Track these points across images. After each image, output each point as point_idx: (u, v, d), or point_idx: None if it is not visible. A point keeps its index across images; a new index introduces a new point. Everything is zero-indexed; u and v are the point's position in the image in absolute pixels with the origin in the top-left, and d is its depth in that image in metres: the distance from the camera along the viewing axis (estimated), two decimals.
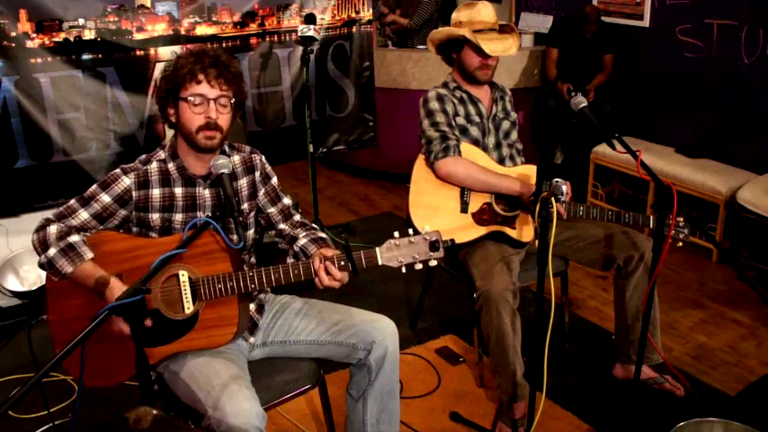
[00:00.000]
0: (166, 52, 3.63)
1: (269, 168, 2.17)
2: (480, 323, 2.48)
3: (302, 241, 2.08)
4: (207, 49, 1.94)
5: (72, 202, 1.96)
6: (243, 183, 2.09)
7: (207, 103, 1.90)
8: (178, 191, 2.00)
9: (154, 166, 2.00)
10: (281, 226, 2.15)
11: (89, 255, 1.89)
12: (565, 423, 2.60)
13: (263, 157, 2.16)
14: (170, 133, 2.04)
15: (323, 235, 2.13)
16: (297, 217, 2.18)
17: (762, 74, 3.99)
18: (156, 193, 1.98)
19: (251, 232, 2.13)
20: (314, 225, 2.19)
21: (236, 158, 2.10)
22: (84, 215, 1.94)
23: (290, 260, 2.08)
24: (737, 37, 4.07)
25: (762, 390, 2.43)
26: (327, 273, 1.86)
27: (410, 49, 5.22)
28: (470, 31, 2.62)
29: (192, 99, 1.89)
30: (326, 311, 2.13)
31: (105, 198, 1.95)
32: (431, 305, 3.34)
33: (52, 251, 1.87)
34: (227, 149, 2.08)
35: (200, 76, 1.88)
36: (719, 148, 4.22)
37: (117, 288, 1.82)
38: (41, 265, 1.91)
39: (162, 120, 2.01)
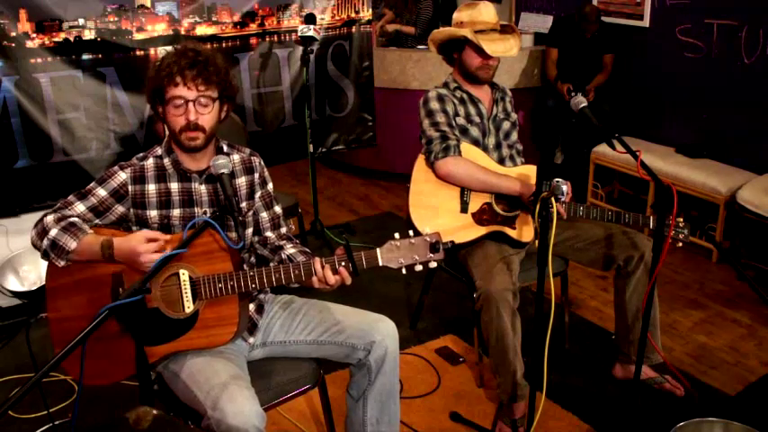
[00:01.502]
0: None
1: (267, 173, 2.18)
2: (480, 323, 2.48)
3: (290, 251, 2.08)
4: (189, 47, 1.91)
5: (69, 196, 1.98)
6: (242, 182, 2.10)
7: (186, 105, 1.89)
8: (174, 186, 2.00)
9: (150, 162, 2.01)
10: (268, 233, 2.16)
11: (90, 230, 1.90)
12: (565, 423, 2.60)
13: (262, 161, 2.17)
14: None
15: (308, 250, 2.13)
16: (284, 229, 2.19)
17: (762, 74, 3.99)
18: (151, 188, 1.99)
19: (249, 231, 2.13)
20: (297, 241, 2.20)
21: (236, 158, 2.10)
22: (80, 207, 1.95)
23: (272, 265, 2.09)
24: (737, 37, 4.07)
25: (762, 390, 2.43)
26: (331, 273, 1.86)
27: (410, 50, 5.21)
28: (472, 31, 2.62)
29: (171, 101, 1.89)
30: (326, 311, 2.13)
31: (101, 192, 1.96)
32: (431, 305, 3.34)
33: (54, 231, 1.87)
34: (225, 148, 2.08)
35: (178, 79, 1.87)
36: (719, 148, 4.22)
37: (121, 242, 1.83)
38: (45, 252, 1.90)
39: (157, 117, 2.01)
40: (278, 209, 2.19)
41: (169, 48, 3.57)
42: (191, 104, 1.89)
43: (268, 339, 2.12)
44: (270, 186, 2.18)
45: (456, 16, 2.71)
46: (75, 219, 1.92)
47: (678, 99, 4.51)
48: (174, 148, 2.01)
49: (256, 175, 2.13)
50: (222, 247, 1.88)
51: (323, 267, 1.85)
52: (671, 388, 2.72)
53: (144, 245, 1.81)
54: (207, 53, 1.92)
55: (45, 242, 1.88)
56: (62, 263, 1.90)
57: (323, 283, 1.86)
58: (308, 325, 2.11)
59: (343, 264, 1.85)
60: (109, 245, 1.84)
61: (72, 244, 1.86)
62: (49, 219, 1.91)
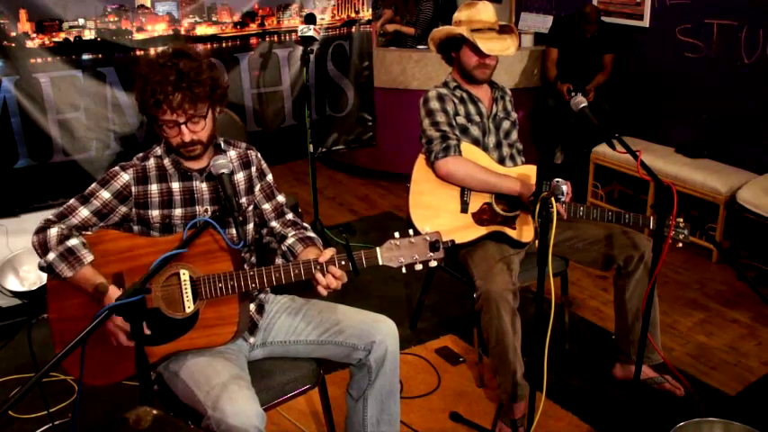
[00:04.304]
0: None
1: (264, 165, 2.18)
2: (480, 323, 2.48)
3: (290, 240, 2.10)
4: (170, 63, 1.85)
5: (72, 201, 1.97)
6: (240, 177, 2.10)
7: (178, 128, 1.89)
8: (175, 186, 2.01)
9: (151, 162, 2.01)
10: (273, 223, 2.16)
11: (89, 258, 1.89)
12: (565, 423, 2.60)
13: (259, 154, 2.17)
14: None
15: (311, 234, 2.13)
16: (289, 215, 2.19)
17: (762, 74, 3.99)
18: (154, 188, 1.99)
19: (250, 227, 2.14)
20: (305, 225, 2.20)
21: (233, 154, 2.11)
22: (84, 212, 1.94)
23: (278, 260, 2.09)
24: (737, 37, 4.07)
25: (762, 390, 2.43)
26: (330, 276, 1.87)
27: (410, 49, 5.22)
28: (468, 29, 2.62)
29: (161, 124, 1.89)
30: (326, 311, 2.13)
31: (105, 194, 1.96)
32: (431, 305, 3.34)
33: (51, 255, 1.88)
34: (222, 145, 2.08)
35: (165, 106, 1.85)
36: (719, 148, 4.22)
37: (114, 297, 1.82)
38: (42, 268, 1.92)
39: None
40: (281, 198, 2.19)
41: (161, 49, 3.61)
42: (183, 127, 1.89)
43: (268, 339, 2.13)
44: (269, 177, 2.18)
45: (456, 15, 2.71)
46: (75, 243, 1.89)
47: (678, 99, 4.51)
48: None
49: (253, 169, 2.14)
50: (222, 246, 1.88)
51: (324, 274, 1.85)
52: (671, 388, 2.72)
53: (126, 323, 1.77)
54: (189, 67, 1.85)
55: (43, 262, 1.90)
56: (57, 281, 1.92)
57: (327, 289, 1.87)
58: (308, 325, 2.11)
59: (342, 263, 1.85)
60: (102, 291, 1.83)
61: (68, 273, 1.87)
62: (52, 234, 1.90)
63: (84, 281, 1.87)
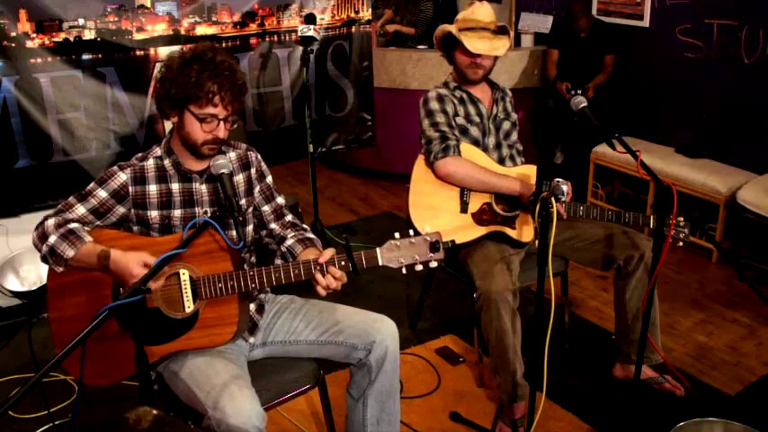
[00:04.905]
0: (166, 52, 3.63)
1: (264, 166, 2.18)
2: (480, 323, 2.48)
3: (289, 242, 2.09)
4: (219, 60, 1.88)
5: (70, 198, 1.98)
6: (240, 179, 2.11)
7: (216, 123, 1.91)
8: (175, 187, 2.01)
9: (150, 162, 2.01)
10: (272, 225, 2.16)
11: (89, 238, 1.89)
12: (565, 423, 2.60)
13: (259, 155, 2.17)
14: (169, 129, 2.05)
15: (311, 235, 2.13)
16: (288, 217, 2.19)
17: (762, 74, 3.99)
18: (152, 189, 1.99)
19: (249, 228, 2.14)
20: (304, 226, 2.20)
21: (233, 155, 2.11)
22: (81, 210, 1.95)
23: (278, 261, 2.09)
24: (737, 37, 4.07)
25: (762, 390, 2.43)
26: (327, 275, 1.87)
27: (410, 49, 5.22)
28: (457, 28, 2.62)
29: (202, 118, 1.89)
30: (327, 311, 2.13)
31: (102, 193, 1.96)
32: (431, 305, 3.34)
33: (53, 238, 1.88)
34: (222, 147, 2.08)
35: (217, 99, 1.87)
36: (719, 148, 4.22)
37: (119, 257, 1.82)
38: (44, 257, 1.91)
39: (161, 116, 2.01)
40: (280, 200, 2.19)
41: (169, 48, 3.62)
42: (221, 123, 1.91)
43: (268, 339, 2.13)
44: (269, 179, 2.18)
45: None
46: (75, 225, 1.91)
47: (678, 99, 4.51)
48: (176, 148, 2.00)
49: (253, 170, 2.14)
50: (222, 246, 1.88)
51: (324, 274, 1.85)
52: (671, 388, 2.72)
53: (140, 268, 1.78)
54: (235, 67, 1.91)
55: (44, 248, 1.89)
56: (60, 269, 1.91)
57: (326, 290, 1.87)
58: (308, 325, 2.11)
59: (342, 263, 1.85)
60: (105, 255, 1.84)
61: (70, 252, 1.87)
62: (50, 223, 1.91)
63: (87, 255, 1.86)
